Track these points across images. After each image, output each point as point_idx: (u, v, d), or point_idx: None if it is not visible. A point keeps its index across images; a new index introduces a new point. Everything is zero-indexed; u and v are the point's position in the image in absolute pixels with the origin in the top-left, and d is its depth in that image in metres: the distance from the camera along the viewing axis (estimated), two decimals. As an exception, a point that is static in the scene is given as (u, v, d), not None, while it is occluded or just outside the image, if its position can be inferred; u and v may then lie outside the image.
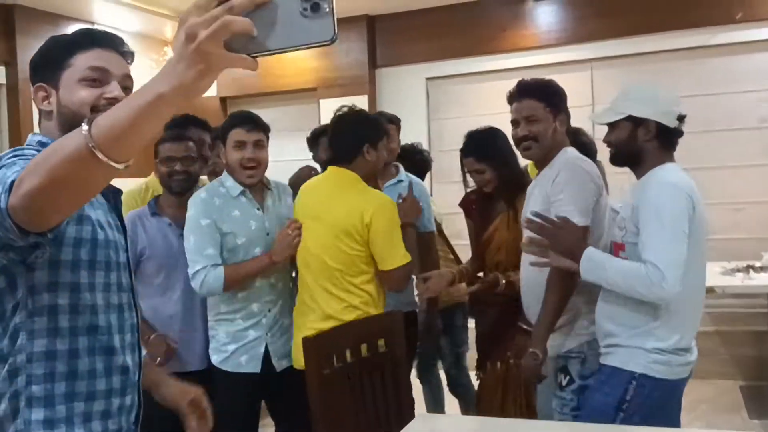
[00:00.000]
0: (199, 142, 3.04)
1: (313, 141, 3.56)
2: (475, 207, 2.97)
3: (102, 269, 1.37)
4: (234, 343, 2.53)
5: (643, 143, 2.19)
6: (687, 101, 5.16)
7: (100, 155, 0.95)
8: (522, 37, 5.53)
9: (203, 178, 3.20)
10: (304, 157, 3.72)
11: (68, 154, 0.97)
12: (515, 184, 2.77)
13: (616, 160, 2.26)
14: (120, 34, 1.55)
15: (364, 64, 5.86)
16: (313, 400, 2.10)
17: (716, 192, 5.15)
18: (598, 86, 5.35)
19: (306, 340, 2.14)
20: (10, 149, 1.28)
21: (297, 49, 0.90)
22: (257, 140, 2.56)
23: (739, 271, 4.16)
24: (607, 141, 2.25)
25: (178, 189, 2.63)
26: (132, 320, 1.47)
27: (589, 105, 5.13)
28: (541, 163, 2.51)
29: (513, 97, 2.51)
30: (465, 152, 2.89)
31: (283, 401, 2.60)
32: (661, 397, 2.12)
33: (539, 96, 2.43)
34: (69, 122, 1.36)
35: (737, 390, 4.72)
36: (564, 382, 2.36)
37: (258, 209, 2.57)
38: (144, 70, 6.16)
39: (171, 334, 2.61)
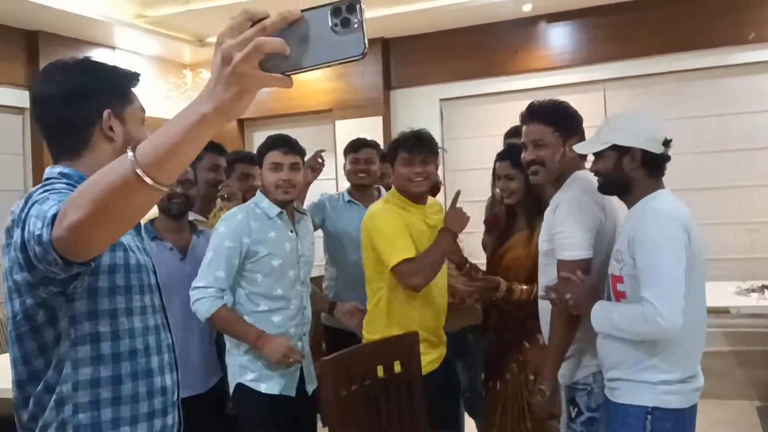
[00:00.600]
0: (213, 168, 3.11)
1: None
2: (497, 223, 2.98)
3: (137, 293, 1.41)
4: (275, 366, 2.50)
5: (630, 172, 2.17)
6: (700, 121, 5.27)
7: (146, 179, 0.96)
8: (534, 59, 5.59)
9: (218, 201, 3.27)
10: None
11: (114, 182, 0.99)
12: (537, 202, 2.77)
13: (605, 189, 2.25)
14: (139, 58, 1.62)
15: (379, 86, 5.94)
16: (330, 423, 2.13)
17: (732, 211, 5.16)
18: (611, 107, 5.38)
19: (323, 363, 2.18)
20: (39, 185, 1.31)
21: (329, 65, 0.92)
22: (293, 163, 2.59)
23: (754, 291, 4.15)
24: (594, 170, 2.25)
25: (177, 212, 2.66)
26: (167, 340, 1.51)
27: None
28: (554, 186, 2.53)
29: (523, 120, 2.54)
30: (502, 156, 2.90)
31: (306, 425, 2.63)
32: (678, 427, 2.12)
33: (548, 120, 2.42)
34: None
35: (754, 411, 4.69)
36: (573, 414, 2.35)
37: (291, 231, 2.60)
38: (162, 92, 6.29)
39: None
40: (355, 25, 0.89)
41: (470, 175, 5.38)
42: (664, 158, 2.19)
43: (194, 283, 2.49)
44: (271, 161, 2.59)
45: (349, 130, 5.70)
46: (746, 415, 4.61)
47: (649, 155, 2.16)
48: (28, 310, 1.30)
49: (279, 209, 2.56)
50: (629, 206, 2.22)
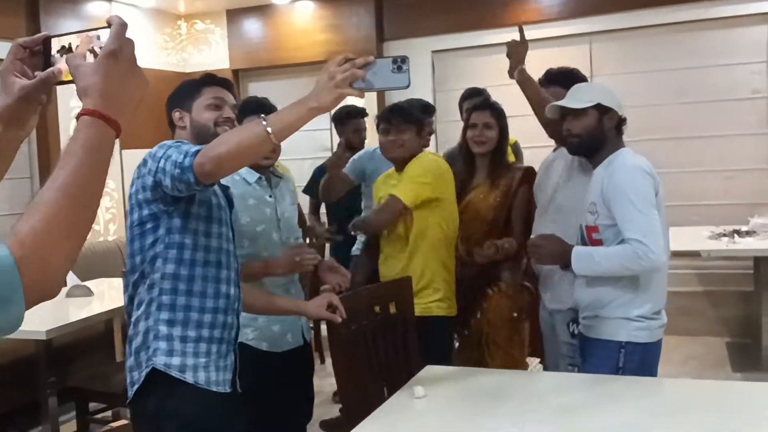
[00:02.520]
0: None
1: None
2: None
3: (216, 223, 1.96)
4: (278, 323, 2.56)
5: (607, 131, 2.39)
6: (683, 73, 5.44)
7: (274, 140, 1.64)
8: (523, 12, 5.71)
9: None
10: (312, 127, 3.93)
11: (252, 135, 1.67)
12: (503, 155, 3.02)
13: (579, 148, 2.45)
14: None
15: (372, 38, 6.05)
16: (335, 358, 2.36)
17: (710, 159, 5.38)
18: (596, 60, 5.55)
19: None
20: (168, 141, 1.91)
21: (383, 90, 1.42)
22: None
23: (725, 235, 4.42)
24: (569, 130, 2.42)
25: None
26: (236, 264, 2.06)
27: (588, 78, 5.33)
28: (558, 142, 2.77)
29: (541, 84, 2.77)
30: (485, 104, 3.09)
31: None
32: (646, 360, 2.36)
33: (565, 85, 2.64)
34: (198, 132, 2.09)
35: (724, 346, 5.03)
36: (576, 332, 2.58)
37: (270, 196, 2.58)
38: (159, 44, 6.39)
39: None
40: (405, 70, 1.53)
41: (460, 126, 5.55)
42: (625, 121, 2.45)
43: None
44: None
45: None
46: (716, 351, 4.94)
47: (618, 117, 2.41)
48: (143, 218, 1.89)
49: (258, 175, 2.56)
50: (595, 165, 2.44)
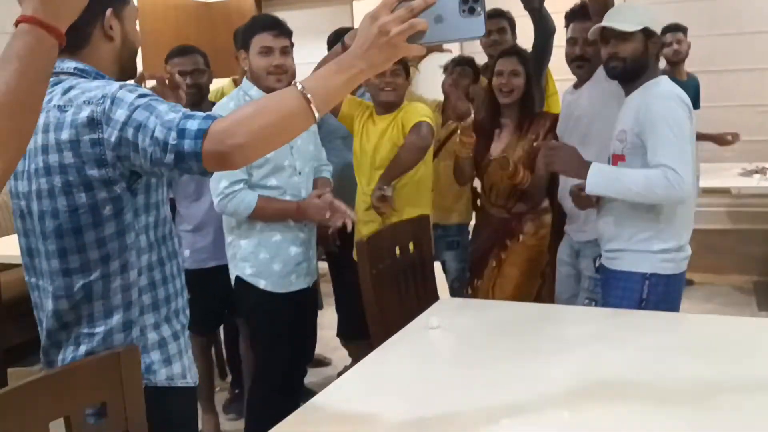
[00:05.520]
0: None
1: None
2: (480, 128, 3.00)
3: (161, 186, 1.52)
4: (278, 262, 2.55)
5: (650, 57, 2.31)
6: (716, 3, 5.20)
7: (316, 113, 1.20)
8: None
9: None
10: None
11: (288, 113, 1.22)
12: (532, 104, 2.91)
13: (624, 73, 2.33)
14: None
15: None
16: (366, 295, 2.31)
17: (743, 94, 5.21)
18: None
19: (360, 243, 2.34)
20: (137, 89, 1.37)
21: (453, 41, 1.17)
22: (284, 46, 2.47)
23: (756, 172, 4.32)
24: (615, 54, 2.30)
25: (189, 103, 2.74)
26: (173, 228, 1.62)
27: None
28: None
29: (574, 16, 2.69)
30: (512, 50, 2.95)
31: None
32: (670, 291, 2.35)
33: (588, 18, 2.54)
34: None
35: (751, 285, 4.97)
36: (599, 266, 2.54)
37: None
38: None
39: (206, 236, 2.89)
40: (479, 12, 1.13)
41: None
42: (663, 47, 2.36)
43: (215, 185, 2.48)
44: (260, 45, 2.45)
45: (368, 10, 5.62)
46: (743, 289, 4.90)
47: (661, 42, 2.32)
48: (97, 203, 1.39)
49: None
50: (628, 92, 2.36)
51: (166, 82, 1.73)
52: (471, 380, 1.68)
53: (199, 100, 2.90)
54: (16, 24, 0.88)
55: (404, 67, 2.86)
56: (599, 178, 2.27)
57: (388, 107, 2.88)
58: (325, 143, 2.97)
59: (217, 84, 3.75)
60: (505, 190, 2.92)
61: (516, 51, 2.94)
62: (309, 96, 1.20)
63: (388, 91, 2.83)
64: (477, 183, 3.20)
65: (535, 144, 2.87)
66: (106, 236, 1.41)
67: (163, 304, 1.52)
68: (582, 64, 2.68)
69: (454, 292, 3.29)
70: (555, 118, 2.93)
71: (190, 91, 2.78)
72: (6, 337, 3.81)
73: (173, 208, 2.89)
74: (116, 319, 1.45)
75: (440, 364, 1.83)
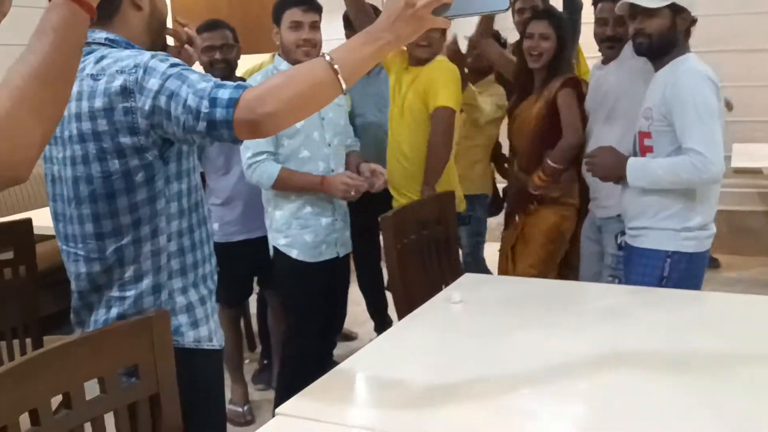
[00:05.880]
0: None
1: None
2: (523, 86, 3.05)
3: (192, 153, 1.56)
4: (309, 233, 2.64)
5: (678, 33, 2.27)
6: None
7: (343, 84, 1.26)
8: None
9: None
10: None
11: (317, 83, 1.27)
12: (561, 68, 2.88)
13: (650, 50, 2.30)
14: None
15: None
16: (390, 270, 2.36)
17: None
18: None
19: (385, 218, 2.33)
20: (130, 50, 1.42)
21: (478, 14, 1.28)
22: (313, 21, 2.55)
23: (790, 152, 4.24)
24: (642, 29, 2.28)
25: (219, 77, 2.80)
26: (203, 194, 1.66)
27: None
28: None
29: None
30: (543, 13, 2.95)
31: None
32: (692, 269, 2.36)
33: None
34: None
35: (781, 267, 4.90)
36: (623, 243, 2.57)
37: None
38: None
39: (235, 209, 2.93)
40: None
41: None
42: (695, 23, 2.31)
43: (243, 155, 2.58)
44: (290, 19, 2.53)
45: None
46: (772, 271, 4.83)
47: (690, 18, 2.28)
48: (130, 170, 1.42)
49: None
50: (657, 68, 2.34)
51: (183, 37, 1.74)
52: (492, 353, 1.70)
53: (228, 74, 2.93)
54: None
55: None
56: (635, 173, 2.32)
57: (421, 62, 2.94)
58: None
59: (255, 60, 3.77)
60: (527, 152, 2.94)
61: (548, 13, 2.91)
62: (336, 67, 1.24)
63: (424, 46, 2.88)
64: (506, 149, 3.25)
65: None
66: (138, 201, 1.45)
67: (191, 269, 1.56)
68: (613, 45, 2.66)
69: (468, 266, 3.30)
70: (569, 77, 2.89)
71: (219, 66, 2.83)
72: (42, 305, 3.92)
73: (203, 182, 2.94)
74: (146, 283, 1.50)
75: (462, 336, 1.86)
